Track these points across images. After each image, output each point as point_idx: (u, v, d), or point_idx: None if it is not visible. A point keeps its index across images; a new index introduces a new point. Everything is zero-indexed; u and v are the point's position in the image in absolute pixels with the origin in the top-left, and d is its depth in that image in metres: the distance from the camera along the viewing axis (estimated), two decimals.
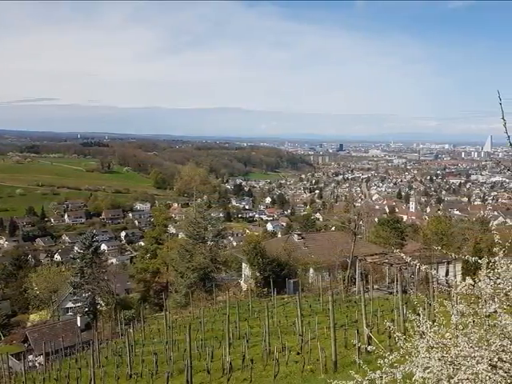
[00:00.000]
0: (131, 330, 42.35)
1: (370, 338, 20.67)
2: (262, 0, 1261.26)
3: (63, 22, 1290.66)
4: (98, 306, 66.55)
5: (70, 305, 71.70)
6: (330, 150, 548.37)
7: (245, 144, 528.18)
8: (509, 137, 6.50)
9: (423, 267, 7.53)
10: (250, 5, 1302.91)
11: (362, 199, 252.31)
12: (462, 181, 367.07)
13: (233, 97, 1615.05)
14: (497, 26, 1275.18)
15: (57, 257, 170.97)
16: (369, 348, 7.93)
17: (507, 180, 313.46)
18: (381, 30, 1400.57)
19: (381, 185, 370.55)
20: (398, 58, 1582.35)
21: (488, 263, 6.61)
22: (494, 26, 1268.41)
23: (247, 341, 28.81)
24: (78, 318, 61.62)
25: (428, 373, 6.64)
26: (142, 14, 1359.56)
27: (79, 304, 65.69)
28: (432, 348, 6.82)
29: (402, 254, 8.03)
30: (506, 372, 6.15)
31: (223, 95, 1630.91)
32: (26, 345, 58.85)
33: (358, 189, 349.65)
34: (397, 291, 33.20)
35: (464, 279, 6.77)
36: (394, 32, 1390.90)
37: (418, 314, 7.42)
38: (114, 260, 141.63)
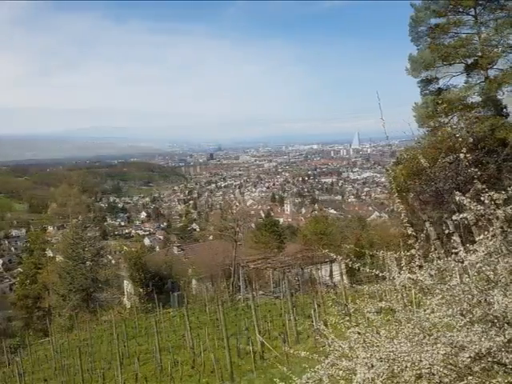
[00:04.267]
0: (18, 359, 40.99)
1: (262, 344, 20.76)
2: (131, 13, 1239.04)
3: None
4: None
5: None
6: (201, 160, 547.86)
7: (115, 161, 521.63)
8: (387, 137, 6.64)
9: (306, 268, 7.59)
10: (119, 22, 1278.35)
11: (236, 206, 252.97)
12: (334, 179, 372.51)
13: (106, 115, 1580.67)
14: (365, 25, 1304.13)
15: None
16: (264, 355, 7.93)
17: (378, 175, 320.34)
18: (253, 35, 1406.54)
19: (254, 190, 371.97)
20: (268, 61, 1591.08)
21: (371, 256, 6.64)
22: (362, 25, 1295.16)
23: (138, 359, 28.42)
24: None
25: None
26: (7, 37, 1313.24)
27: None
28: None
29: (286, 257, 8.05)
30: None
31: (96, 114, 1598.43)
32: None
33: (232, 196, 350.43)
34: (284, 295, 33.59)
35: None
36: (265, 36, 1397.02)
37: (309, 316, 7.47)
38: None
